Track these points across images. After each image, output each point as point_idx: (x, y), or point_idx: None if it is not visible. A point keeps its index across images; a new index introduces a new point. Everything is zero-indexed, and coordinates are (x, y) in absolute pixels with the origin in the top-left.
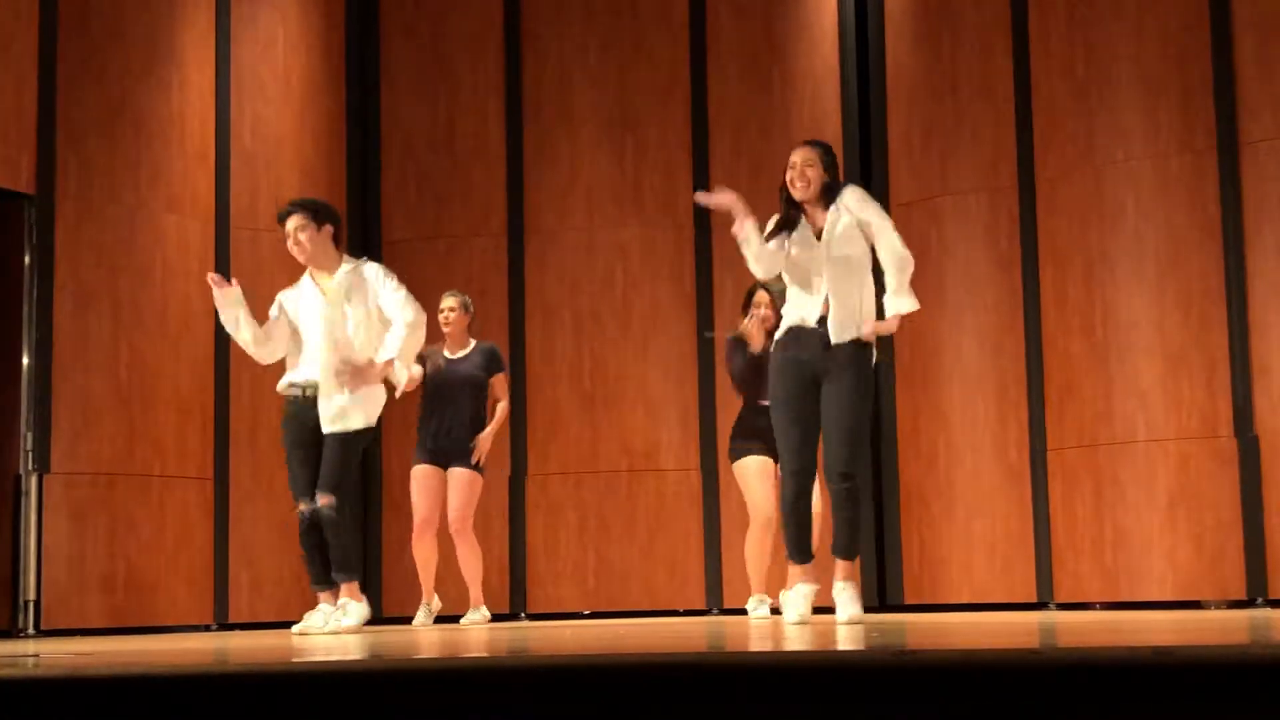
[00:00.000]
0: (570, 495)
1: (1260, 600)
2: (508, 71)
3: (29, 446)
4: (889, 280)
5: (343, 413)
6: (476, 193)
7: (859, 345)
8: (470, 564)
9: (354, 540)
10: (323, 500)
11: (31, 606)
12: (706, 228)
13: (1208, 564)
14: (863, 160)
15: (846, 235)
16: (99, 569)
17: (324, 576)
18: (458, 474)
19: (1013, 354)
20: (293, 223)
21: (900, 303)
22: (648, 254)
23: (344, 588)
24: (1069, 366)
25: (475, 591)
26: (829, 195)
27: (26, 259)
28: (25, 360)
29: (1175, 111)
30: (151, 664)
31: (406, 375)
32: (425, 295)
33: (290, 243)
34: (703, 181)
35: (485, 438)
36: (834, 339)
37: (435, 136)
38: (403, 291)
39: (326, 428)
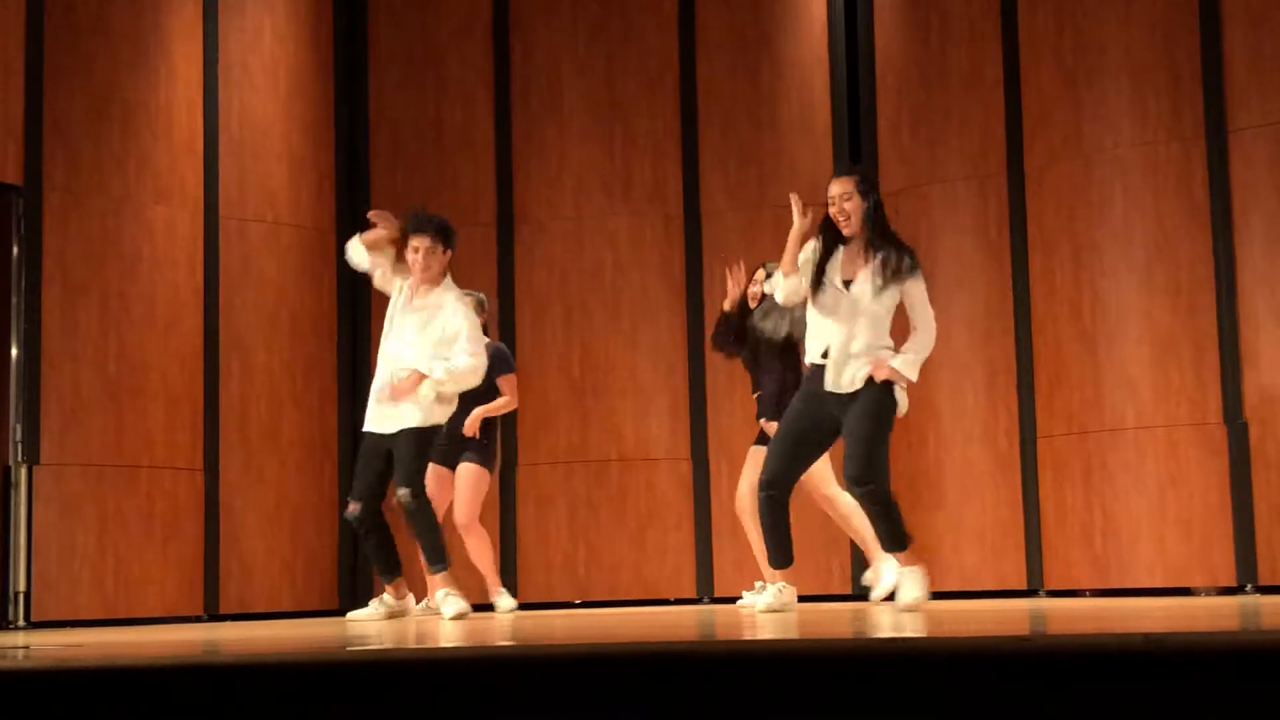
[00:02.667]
0: (560, 485)
1: (1249, 586)
2: (496, 61)
3: (18, 438)
4: (917, 344)
5: (400, 413)
6: (465, 182)
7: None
8: (483, 556)
9: (435, 530)
10: (400, 493)
11: (21, 598)
12: (696, 216)
13: (1197, 550)
14: (851, 148)
15: (889, 298)
16: (89, 560)
17: (385, 568)
18: (461, 470)
19: (1002, 342)
20: (425, 242)
21: (913, 371)
22: (637, 243)
23: (438, 579)
24: (1058, 354)
25: (493, 580)
26: (872, 225)
27: (14, 251)
28: (14, 352)
29: (1164, 99)
30: (141, 655)
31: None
32: None
33: (417, 256)
34: (692, 170)
35: (476, 414)
36: (848, 389)
37: (423, 126)
38: (478, 334)
39: (388, 427)
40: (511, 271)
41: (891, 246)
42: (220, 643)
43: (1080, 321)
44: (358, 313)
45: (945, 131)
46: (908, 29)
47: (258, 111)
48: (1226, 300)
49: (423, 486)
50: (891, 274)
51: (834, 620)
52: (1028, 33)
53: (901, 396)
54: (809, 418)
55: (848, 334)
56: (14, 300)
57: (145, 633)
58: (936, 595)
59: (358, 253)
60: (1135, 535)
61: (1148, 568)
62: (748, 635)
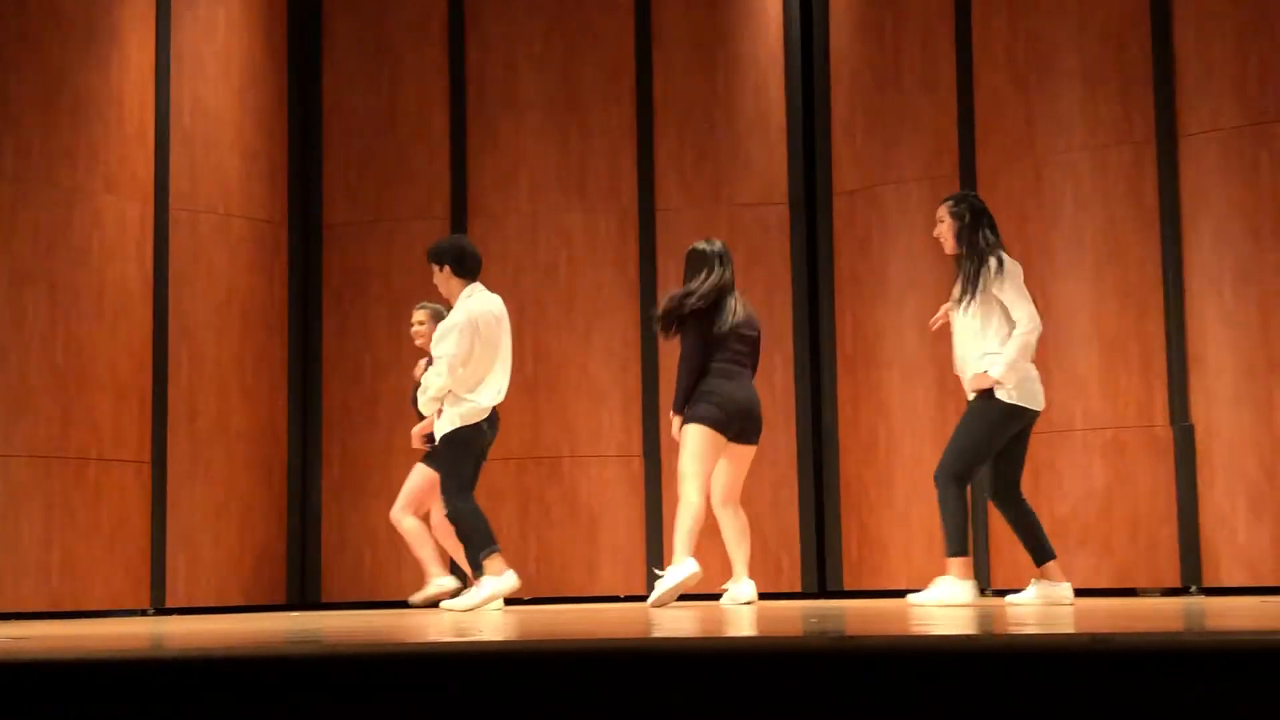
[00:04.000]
0: (512, 481)
1: (1194, 588)
2: (451, 53)
3: None
4: (1011, 342)
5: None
6: (419, 176)
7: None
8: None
9: (471, 531)
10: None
11: None
12: (650, 213)
13: (1142, 552)
14: (806, 148)
15: (978, 308)
16: (35, 553)
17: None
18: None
19: (951, 342)
20: (433, 269)
21: (1000, 370)
22: (591, 239)
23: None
24: None
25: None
26: (965, 242)
27: None
28: None
29: (1115, 103)
30: (87, 649)
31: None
32: (367, 279)
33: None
34: (647, 167)
35: (417, 430)
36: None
37: (378, 119)
38: (446, 342)
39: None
40: None
41: (974, 257)
42: (166, 637)
43: None
44: (308, 306)
45: (899, 132)
46: (863, 29)
47: (210, 102)
48: (1175, 303)
49: (452, 496)
50: (969, 285)
51: (784, 618)
52: (981, 35)
53: (1007, 396)
54: None
55: (957, 351)
56: None
57: (91, 626)
58: (887, 594)
59: None
60: (1082, 536)
61: (1094, 568)
62: (694, 633)
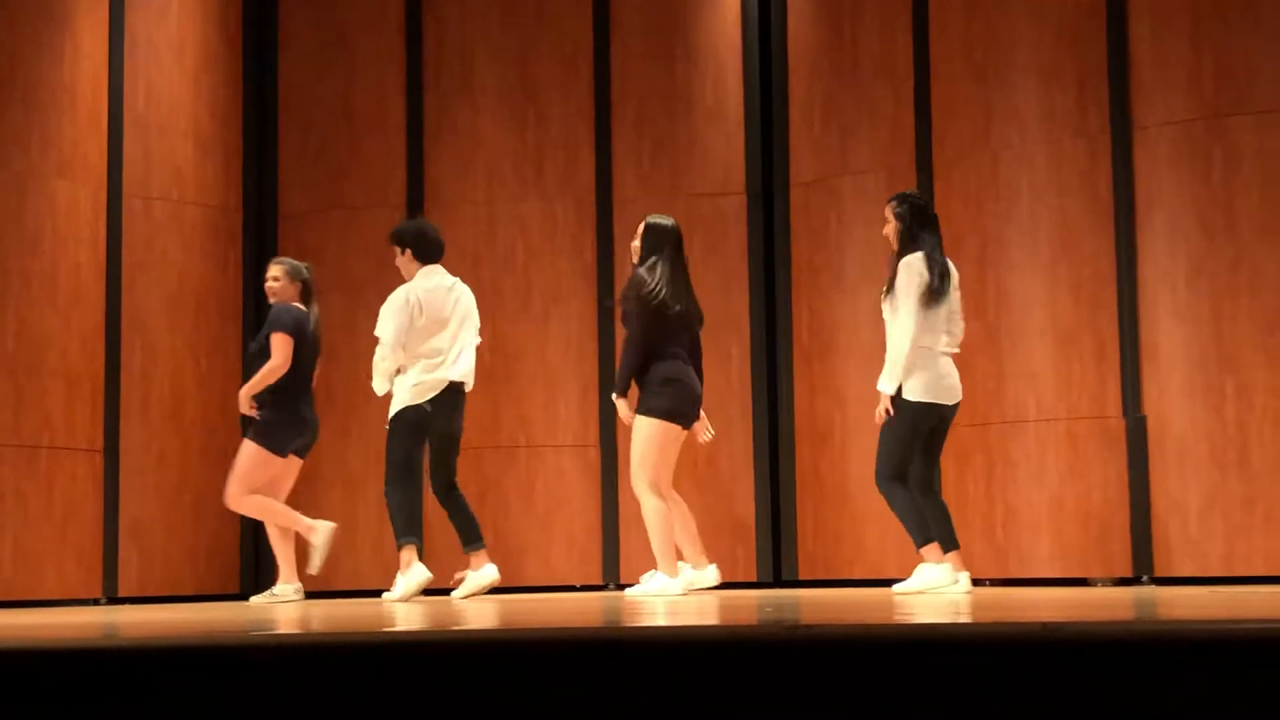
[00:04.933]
0: (469, 470)
1: (1145, 578)
2: (408, 40)
3: None
4: (888, 354)
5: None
6: (375, 164)
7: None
8: (276, 545)
9: (397, 510)
10: None
11: None
12: (608, 202)
13: (1095, 542)
14: (764, 138)
15: (891, 305)
16: None
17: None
18: (242, 446)
19: None
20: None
21: (883, 382)
22: (549, 228)
23: (401, 554)
24: (962, 346)
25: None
26: (904, 247)
27: None
28: None
29: (1070, 96)
30: (38, 638)
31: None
32: (322, 267)
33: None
34: (605, 156)
35: (243, 391)
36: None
37: (333, 106)
38: (381, 325)
39: None
40: None
41: (897, 261)
42: (119, 626)
43: (985, 315)
44: (263, 294)
45: (856, 123)
46: (821, 19)
47: (164, 88)
48: (1128, 296)
49: (391, 471)
50: (890, 281)
51: (740, 607)
52: (938, 26)
53: (915, 395)
54: None
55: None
56: None
57: (43, 615)
58: (842, 584)
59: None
60: (1035, 526)
61: (1047, 558)
62: (650, 622)
